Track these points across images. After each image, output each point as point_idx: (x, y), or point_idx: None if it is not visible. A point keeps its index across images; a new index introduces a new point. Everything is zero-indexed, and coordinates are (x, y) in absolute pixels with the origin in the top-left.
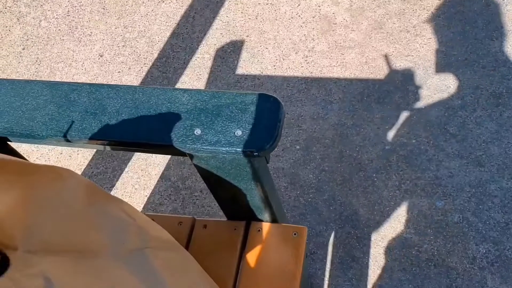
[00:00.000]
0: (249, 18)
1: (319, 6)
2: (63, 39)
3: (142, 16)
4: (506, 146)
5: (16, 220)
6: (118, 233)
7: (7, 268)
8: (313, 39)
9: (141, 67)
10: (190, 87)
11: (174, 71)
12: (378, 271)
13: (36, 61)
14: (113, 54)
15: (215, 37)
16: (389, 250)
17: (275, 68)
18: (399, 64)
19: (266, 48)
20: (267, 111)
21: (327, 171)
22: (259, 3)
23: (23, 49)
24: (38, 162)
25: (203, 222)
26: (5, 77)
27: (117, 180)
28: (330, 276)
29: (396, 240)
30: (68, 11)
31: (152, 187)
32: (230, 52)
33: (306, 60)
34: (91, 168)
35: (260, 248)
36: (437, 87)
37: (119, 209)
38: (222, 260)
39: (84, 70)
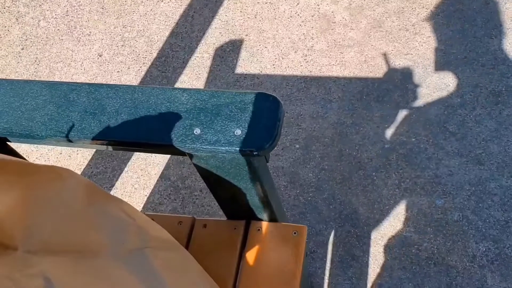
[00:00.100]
0: (248, 17)
1: (318, 5)
2: (62, 39)
3: (141, 16)
4: (505, 144)
5: (16, 220)
6: (118, 233)
7: None
8: (312, 38)
9: (140, 67)
10: (189, 87)
11: (173, 70)
12: (378, 270)
13: (35, 61)
14: (112, 54)
15: (214, 36)
16: (389, 248)
17: (274, 67)
18: (398, 62)
19: (265, 47)
20: (267, 110)
21: (327, 170)
22: (258, 2)
23: (22, 49)
24: (37, 162)
25: (203, 221)
26: (4, 77)
27: (116, 180)
28: (330, 274)
29: (396, 239)
30: (67, 11)
31: (152, 187)
32: (229, 51)
33: (305, 59)
34: (91, 168)
35: (260, 247)
36: (436, 85)
37: (119, 209)
38: (222, 260)
39: (83, 70)
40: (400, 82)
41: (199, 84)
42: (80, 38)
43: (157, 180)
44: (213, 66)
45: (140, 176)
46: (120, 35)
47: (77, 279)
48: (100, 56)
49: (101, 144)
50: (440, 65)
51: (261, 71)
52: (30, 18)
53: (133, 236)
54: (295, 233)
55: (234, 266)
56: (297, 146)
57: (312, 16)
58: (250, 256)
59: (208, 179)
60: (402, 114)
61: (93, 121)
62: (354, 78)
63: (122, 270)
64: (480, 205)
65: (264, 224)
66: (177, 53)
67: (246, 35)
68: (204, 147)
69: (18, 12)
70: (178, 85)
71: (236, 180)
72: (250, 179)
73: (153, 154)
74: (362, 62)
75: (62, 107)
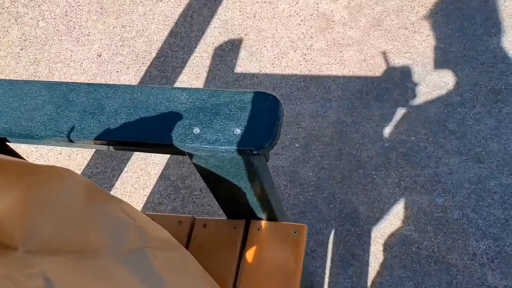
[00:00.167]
0: (247, 17)
1: (317, 3)
2: (61, 39)
3: (140, 16)
4: (505, 142)
5: (16, 220)
6: (118, 233)
7: None
8: (311, 37)
9: (140, 67)
10: (189, 86)
11: (173, 70)
12: (378, 269)
13: (35, 61)
14: (112, 54)
15: (213, 36)
16: (389, 247)
17: (273, 67)
18: (398, 61)
19: (265, 47)
20: (266, 110)
21: (327, 169)
22: (257, 2)
23: (21, 49)
24: (37, 162)
25: (203, 221)
26: (3, 78)
27: (116, 180)
28: (330, 273)
29: (396, 237)
30: (66, 11)
31: (152, 187)
32: (228, 50)
33: (305, 58)
34: (91, 168)
35: (260, 247)
36: (435, 84)
37: (119, 208)
38: (222, 259)
39: (83, 70)
40: (399, 80)
41: (199, 83)
42: (79, 38)
43: (157, 180)
44: (212, 66)
45: (140, 176)
46: (119, 35)
47: (77, 279)
48: (99, 56)
49: (101, 144)
50: (440, 63)
51: (261, 70)
52: (29, 18)
53: (133, 236)
54: (295, 232)
55: (234, 265)
56: (297, 145)
57: (311, 15)
58: (250, 255)
59: (208, 179)
60: (402, 112)
61: (92, 121)
62: (354, 77)
63: (122, 270)
64: (480, 203)
65: (264, 223)
66: (176, 52)
67: (245, 35)
68: (204, 146)
69: (17, 12)
70: (177, 84)
71: (236, 179)
72: (250, 178)
73: (153, 154)
74: (361, 61)
75: (62, 107)
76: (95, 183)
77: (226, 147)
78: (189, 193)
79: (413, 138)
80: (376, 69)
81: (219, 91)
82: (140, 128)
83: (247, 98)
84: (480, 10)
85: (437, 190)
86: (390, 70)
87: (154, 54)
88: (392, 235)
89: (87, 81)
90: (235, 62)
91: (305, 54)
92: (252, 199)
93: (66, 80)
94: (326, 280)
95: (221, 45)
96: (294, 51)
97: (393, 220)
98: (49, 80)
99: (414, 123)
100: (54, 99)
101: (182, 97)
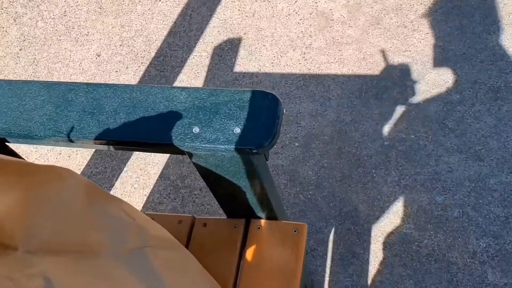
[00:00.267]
0: (246, 16)
1: (316, 2)
2: (60, 39)
3: (139, 15)
4: (505, 140)
5: (16, 220)
6: (117, 233)
7: None
8: (310, 35)
9: (139, 66)
10: (188, 86)
11: (172, 69)
12: (379, 267)
13: (34, 61)
14: (111, 54)
15: (212, 35)
16: (389, 245)
17: (273, 66)
18: (397, 59)
19: (264, 46)
20: (266, 109)
21: (326, 167)
22: (256, 0)
23: (20, 50)
24: (37, 162)
25: (202, 220)
26: (2, 78)
27: (116, 180)
28: (330, 272)
29: (396, 236)
30: (65, 11)
31: (152, 186)
32: (227, 50)
33: (304, 57)
34: (90, 168)
35: (260, 246)
36: (435, 82)
37: (119, 208)
38: (222, 258)
39: (82, 70)
40: (399, 79)
41: (198, 83)
42: (78, 38)
43: (157, 180)
44: (211, 65)
45: (140, 175)
46: (118, 34)
47: (77, 279)
48: (99, 56)
49: (100, 144)
50: (439, 61)
51: (260, 70)
52: (28, 18)
53: (133, 236)
54: (295, 231)
55: (234, 264)
56: (297, 144)
57: (310, 13)
58: (250, 254)
59: (208, 178)
60: (401, 111)
61: (91, 121)
62: (353, 75)
63: (122, 269)
64: (480, 201)
65: (264, 223)
66: (175, 52)
67: (245, 34)
68: (203, 145)
69: (16, 13)
70: (176, 84)
71: (235, 178)
72: (249, 178)
73: (152, 154)
74: (360, 60)
75: (61, 107)
76: (95, 183)
77: (226, 146)
78: (189, 193)
79: (412, 136)
80: (376, 67)
81: (219, 90)
82: (140, 127)
83: (246, 97)
84: (479, 8)
85: (437, 188)
86: (390, 69)
87: (153, 54)
88: (392, 233)
89: (86, 81)
90: (234, 61)
91: (304, 53)
92: (252, 198)
93: (65, 80)
94: (327, 278)
95: (220, 44)
96: (293, 50)
97: (393, 218)
98: (48, 80)
99: (413, 121)
100: (53, 99)
101: (181, 96)
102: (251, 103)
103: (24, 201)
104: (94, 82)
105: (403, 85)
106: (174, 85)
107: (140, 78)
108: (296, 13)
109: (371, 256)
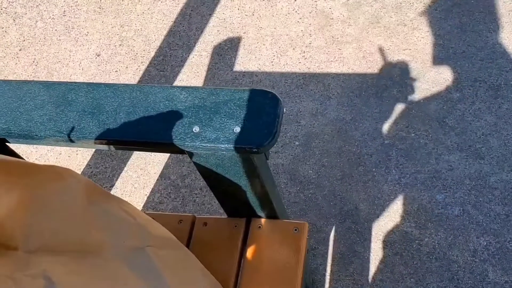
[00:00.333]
0: (246, 15)
1: (315, 1)
2: (59, 39)
3: (138, 15)
4: (505, 138)
5: (17, 220)
6: (118, 232)
7: None
8: (310, 34)
9: (139, 66)
10: (188, 85)
11: (172, 69)
12: (379, 265)
13: (33, 62)
14: (110, 54)
15: (212, 34)
16: (390, 244)
17: (272, 65)
18: (397, 58)
19: (264, 45)
20: (266, 108)
21: (327, 166)
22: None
23: (20, 50)
24: (37, 162)
25: (203, 219)
26: (2, 79)
27: (116, 180)
28: (331, 271)
29: (397, 234)
30: (64, 11)
31: (152, 186)
32: (227, 49)
33: (304, 55)
34: (91, 167)
35: (261, 245)
36: (435, 80)
37: (119, 208)
38: (223, 257)
39: (82, 70)
40: (399, 77)
41: (198, 82)
42: (78, 38)
43: (157, 179)
44: (211, 64)
45: (140, 175)
46: (117, 34)
47: (78, 278)
48: (98, 56)
49: (100, 144)
50: (439, 59)
51: (260, 69)
52: (27, 19)
53: (134, 235)
54: (296, 230)
55: (235, 263)
56: (297, 143)
57: (310, 12)
58: (251, 253)
59: (208, 177)
60: (401, 109)
61: (92, 121)
62: (353, 74)
63: (122, 269)
64: (480, 199)
65: (265, 222)
66: (175, 51)
67: (244, 33)
68: (204, 145)
69: (15, 13)
70: (176, 83)
71: (236, 177)
72: (250, 177)
73: (153, 153)
74: (360, 58)
75: (61, 107)
76: (95, 183)
77: (226, 145)
78: (189, 192)
79: (413, 134)
80: (375, 66)
81: (219, 89)
82: (140, 127)
83: (246, 96)
84: (479, 5)
85: (437, 187)
86: (389, 67)
87: (153, 53)
88: (393, 232)
89: (86, 81)
90: (234, 61)
91: (304, 52)
92: (253, 198)
93: (65, 80)
94: (327, 277)
95: (220, 44)
96: (293, 49)
97: (393, 217)
98: (48, 80)
99: (413, 119)
100: (53, 99)
101: (181, 96)
102: (251, 102)
103: (25, 201)
104: (94, 82)
105: (403, 84)
106: (174, 84)
107: (140, 78)
108: (296, 12)
109: (371, 254)
